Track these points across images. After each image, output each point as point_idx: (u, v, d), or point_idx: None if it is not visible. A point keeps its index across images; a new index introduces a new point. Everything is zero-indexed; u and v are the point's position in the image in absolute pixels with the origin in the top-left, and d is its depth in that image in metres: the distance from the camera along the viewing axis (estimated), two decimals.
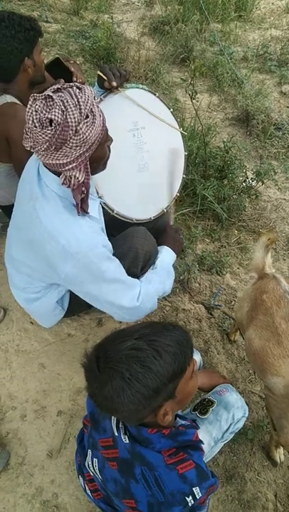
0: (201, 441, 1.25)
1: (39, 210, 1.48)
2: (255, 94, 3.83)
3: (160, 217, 2.03)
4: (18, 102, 1.99)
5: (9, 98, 1.97)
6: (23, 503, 1.73)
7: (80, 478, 1.45)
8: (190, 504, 1.11)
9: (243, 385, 2.19)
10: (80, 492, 1.75)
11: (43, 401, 2.01)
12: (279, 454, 1.94)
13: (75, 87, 1.30)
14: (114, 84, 1.78)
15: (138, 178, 1.94)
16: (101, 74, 1.79)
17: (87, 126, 1.30)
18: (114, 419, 1.24)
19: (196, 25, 4.67)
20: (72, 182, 1.38)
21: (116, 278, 1.59)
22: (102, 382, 1.03)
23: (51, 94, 1.27)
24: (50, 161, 1.34)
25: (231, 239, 2.90)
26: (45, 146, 1.29)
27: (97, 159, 1.44)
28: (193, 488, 1.12)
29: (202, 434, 1.47)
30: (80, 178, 1.38)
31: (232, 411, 1.56)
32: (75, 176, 1.37)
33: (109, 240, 1.65)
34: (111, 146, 1.50)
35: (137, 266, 1.83)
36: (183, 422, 1.30)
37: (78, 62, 2.43)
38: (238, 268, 2.75)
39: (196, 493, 1.12)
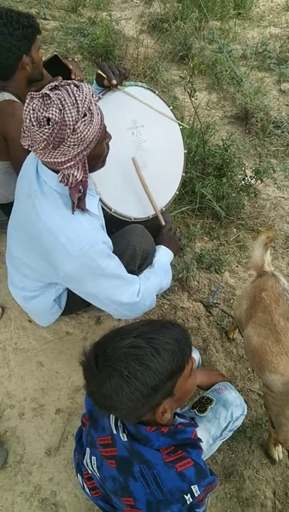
0: (199, 440, 1.25)
1: (38, 208, 1.48)
2: (254, 92, 3.83)
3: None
4: (16, 99, 1.99)
5: (7, 96, 1.96)
6: (21, 501, 1.73)
7: (79, 476, 1.45)
8: (188, 502, 1.12)
9: (242, 383, 2.20)
10: (79, 490, 1.75)
11: (41, 399, 2.00)
12: (277, 452, 1.94)
13: (72, 85, 1.29)
14: (114, 82, 1.78)
15: (136, 177, 1.93)
16: (100, 72, 1.78)
17: (84, 124, 1.29)
18: (112, 418, 1.24)
19: (195, 23, 4.65)
20: (70, 180, 1.38)
21: (116, 274, 1.58)
22: (101, 381, 1.03)
23: (48, 92, 1.26)
24: (48, 160, 1.34)
25: (230, 237, 2.90)
26: (42, 145, 1.28)
27: (96, 157, 1.43)
28: (192, 486, 1.12)
29: (201, 432, 1.47)
30: (78, 177, 1.38)
31: (231, 409, 1.56)
32: (73, 175, 1.37)
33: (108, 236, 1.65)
34: (110, 144, 1.49)
35: (134, 264, 1.83)
36: (182, 420, 1.30)
37: (76, 60, 2.43)
38: (237, 266, 2.75)
39: (194, 491, 1.12)
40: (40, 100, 1.26)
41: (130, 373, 1.01)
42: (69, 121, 1.25)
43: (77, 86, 1.29)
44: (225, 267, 2.70)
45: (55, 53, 2.32)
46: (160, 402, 1.09)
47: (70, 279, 1.58)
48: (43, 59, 2.18)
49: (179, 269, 2.54)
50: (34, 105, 1.26)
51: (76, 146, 1.31)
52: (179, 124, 2.03)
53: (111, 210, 1.85)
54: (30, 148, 1.34)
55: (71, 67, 2.26)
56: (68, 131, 1.26)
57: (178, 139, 2.05)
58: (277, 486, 1.90)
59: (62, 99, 1.25)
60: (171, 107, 2.01)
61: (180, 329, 1.13)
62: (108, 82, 1.78)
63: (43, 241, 1.49)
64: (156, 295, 1.79)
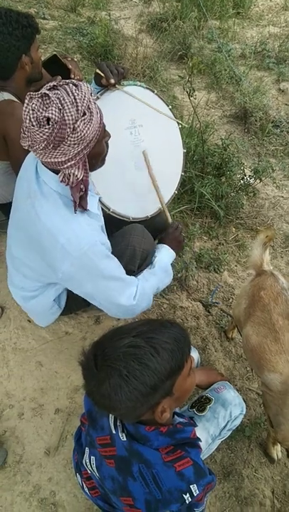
0: (198, 439, 1.25)
1: (38, 208, 1.48)
2: (253, 91, 3.83)
3: (157, 215, 2.03)
4: (15, 99, 1.99)
5: (6, 95, 1.96)
6: (20, 501, 1.74)
7: (78, 476, 1.45)
8: (187, 501, 1.12)
9: (241, 383, 2.20)
10: (78, 490, 1.75)
11: (40, 399, 2.01)
12: (276, 451, 1.94)
13: (71, 84, 1.29)
14: (112, 81, 1.77)
15: (135, 176, 1.93)
16: (98, 71, 1.78)
17: (84, 123, 1.29)
18: (111, 417, 1.24)
19: (194, 22, 4.64)
20: (71, 180, 1.38)
21: (114, 276, 1.59)
22: (100, 380, 1.03)
23: (47, 92, 1.26)
24: (49, 160, 1.33)
25: (229, 236, 2.90)
26: (43, 145, 1.28)
27: (96, 155, 1.43)
28: (191, 486, 1.12)
29: (199, 432, 1.47)
30: (78, 176, 1.38)
31: (229, 408, 1.56)
32: (73, 174, 1.37)
33: (108, 236, 1.65)
34: (108, 143, 1.49)
35: (134, 264, 1.83)
36: (181, 420, 1.31)
37: (76, 60, 2.43)
38: (236, 266, 2.75)
39: (193, 491, 1.12)
40: (40, 100, 1.26)
41: (129, 373, 1.01)
42: (69, 120, 1.25)
43: (76, 85, 1.29)
44: (224, 267, 2.70)
45: (55, 53, 2.32)
46: (159, 402, 1.09)
47: (68, 280, 1.58)
48: (42, 59, 2.18)
49: (178, 269, 2.54)
50: (33, 105, 1.26)
51: (76, 145, 1.31)
52: (178, 123, 2.03)
53: (110, 209, 1.85)
54: (30, 149, 1.33)
55: (70, 66, 2.26)
56: (68, 130, 1.26)
57: (177, 138, 2.05)
58: (276, 485, 1.91)
59: (61, 99, 1.25)
60: (170, 107, 2.01)
61: (179, 328, 1.14)
62: (106, 82, 1.78)
63: (43, 241, 1.49)
64: (155, 294, 1.79)
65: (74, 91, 1.27)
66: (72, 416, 1.97)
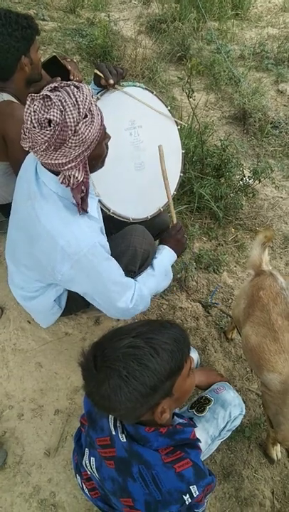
0: (198, 440, 1.25)
1: (38, 210, 1.48)
2: (252, 92, 3.84)
3: (157, 216, 2.03)
4: (15, 100, 1.99)
5: (6, 96, 1.96)
6: (20, 502, 1.73)
7: (78, 476, 1.45)
8: (187, 502, 1.12)
9: (241, 383, 2.20)
10: (78, 491, 1.75)
11: (40, 400, 2.00)
12: (276, 452, 1.94)
13: (72, 86, 1.29)
14: (111, 81, 1.77)
15: (135, 177, 1.94)
16: (97, 72, 1.78)
17: (86, 125, 1.29)
18: (111, 418, 1.24)
19: (193, 24, 4.65)
20: (72, 181, 1.38)
21: (113, 279, 1.59)
22: (100, 381, 1.03)
23: (49, 93, 1.25)
24: (49, 161, 1.33)
25: (228, 237, 2.91)
26: (44, 147, 1.28)
27: (96, 157, 1.43)
28: (191, 487, 1.12)
29: (199, 432, 1.47)
30: (79, 178, 1.38)
31: (229, 409, 1.56)
32: (74, 176, 1.37)
33: (107, 237, 1.65)
34: (108, 144, 1.49)
35: (135, 264, 1.83)
36: (180, 421, 1.31)
37: (75, 61, 2.43)
38: (235, 266, 2.75)
39: (193, 492, 1.12)
40: (41, 102, 1.26)
41: (129, 373, 1.01)
42: (70, 122, 1.25)
43: (77, 87, 1.29)
44: (223, 267, 2.71)
45: (54, 54, 2.32)
46: (159, 402, 1.09)
47: (68, 281, 1.59)
48: (42, 60, 2.18)
49: (178, 270, 2.55)
50: (35, 107, 1.26)
51: (77, 147, 1.31)
52: (177, 123, 2.03)
53: (110, 210, 1.85)
54: (30, 150, 1.33)
55: (70, 67, 2.26)
56: (70, 132, 1.26)
57: (176, 139, 2.05)
58: (276, 486, 1.91)
59: (63, 101, 1.25)
60: (169, 107, 2.01)
61: (179, 329, 1.14)
62: (105, 82, 1.78)
63: (42, 243, 1.49)
64: (154, 296, 1.79)
65: (76, 93, 1.27)
66: (72, 417, 1.97)
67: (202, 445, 1.41)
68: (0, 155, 2.06)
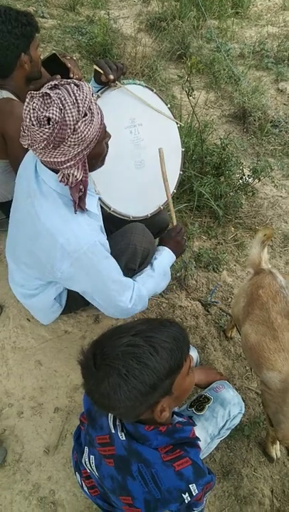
0: (197, 439, 1.25)
1: (37, 208, 1.48)
2: (251, 91, 3.83)
3: (157, 214, 2.03)
4: (14, 97, 1.98)
5: (5, 94, 1.96)
6: (20, 500, 1.74)
7: (77, 474, 1.45)
8: (186, 501, 1.12)
9: (240, 382, 2.20)
10: (77, 489, 1.75)
11: (39, 398, 2.00)
12: (275, 450, 1.95)
13: (72, 84, 1.28)
14: (111, 77, 1.76)
15: (135, 175, 1.93)
16: (97, 68, 1.77)
17: (85, 124, 1.28)
18: (111, 417, 1.24)
19: (193, 22, 4.65)
20: (70, 180, 1.37)
21: (112, 277, 1.59)
22: (99, 379, 1.03)
23: (48, 91, 1.25)
24: (48, 159, 1.33)
25: (228, 236, 2.90)
26: (42, 145, 1.27)
27: (96, 156, 1.43)
28: (190, 485, 1.13)
29: (198, 431, 1.47)
30: (78, 176, 1.38)
31: (228, 407, 1.56)
32: (73, 174, 1.36)
33: (107, 236, 1.65)
34: (108, 143, 1.49)
35: (135, 262, 1.83)
36: (180, 419, 1.31)
37: (75, 58, 2.42)
38: (235, 265, 2.75)
39: (192, 490, 1.12)
40: (41, 99, 1.25)
41: (128, 372, 1.01)
42: (69, 120, 1.25)
43: (77, 85, 1.28)
44: (223, 266, 2.71)
45: (54, 52, 2.32)
46: (158, 401, 1.09)
47: (67, 279, 1.58)
48: (42, 57, 2.18)
49: (178, 268, 2.55)
50: (34, 105, 1.25)
51: (76, 146, 1.30)
52: (177, 123, 2.02)
53: (110, 208, 1.85)
54: (29, 148, 1.33)
55: (69, 65, 2.26)
56: (69, 130, 1.26)
57: (175, 137, 2.05)
58: (275, 484, 1.91)
59: (62, 99, 1.24)
60: (168, 105, 2.01)
61: (178, 328, 1.14)
62: (105, 78, 1.77)
63: (42, 241, 1.49)
64: (153, 296, 1.79)
65: (75, 91, 1.26)
66: (71, 415, 1.97)
67: (201, 444, 1.41)
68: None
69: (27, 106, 1.26)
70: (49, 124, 1.24)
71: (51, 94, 1.24)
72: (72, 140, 1.28)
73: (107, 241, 1.59)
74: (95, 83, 1.85)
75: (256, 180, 2.88)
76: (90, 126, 1.29)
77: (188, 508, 1.16)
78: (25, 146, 1.33)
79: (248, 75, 4.26)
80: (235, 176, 2.95)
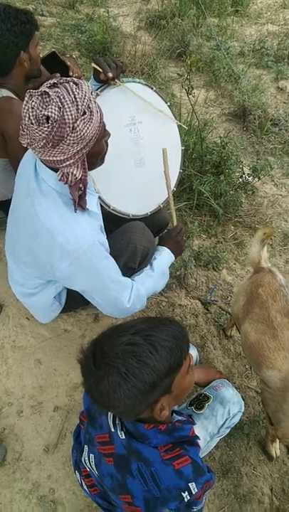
0: (197, 437, 1.25)
1: (37, 207, 1.47)
2: (251, 89, 3.82)
3: (157, 212, 2.03)
4: (13, 96, 1.98)
5: (5, 92, 1.96)
6: (19, 499, 1.74)
7: (77, 473, 1.45)
8: (186, 499, 1.12)
9: (240, 380, 2.20)
10: (77, 487, 1.75)
11: (39, 397, 2.01)
12: (275, 449, 1.95)
13: (71, 83, 1.28)
14: (110, 75, 1.75)
15: (134, 174, 1.93)
16: (96, 66, 1.77)
17: (84, 123, 1.28)
18: (110, 415, 1.24)
19: (193, 20, 4.64)
20: (70, 179, 1.37)
21: (111, 277, 1.59)
22: (99, 378, 1.03)
23: (47, 90, 1.25)
24: (47, 158, 1.33)
25: (228, 234, 2.90)
26: (42, 143, 1.27)
27: (95, 154, 1.42)
28: (189, 484, 1.13)
29: (198, 430, 1.47)
30: (77, 175, 1.37)
31: (228, 406, 1.56)
32: (72, 173, 1.36)
33: (106, 234, 1.65)
34: (108, 141, 1.49)
35: (134, 261, 1.83)
36: (179, 418, 1.31)
37: (74, 57, 2.42)
38: (235, 264, 2.75)
39: (192, 489, 1.12)
40: (39, 98, 1.25)
41: (128, 370, 1.01)
42: (68, 119, 1.24)
43: (76, 84, 1.28)
44: (223, 265, 2.70)
45: (53, 50, 2.31)
46: (158, 399, 1.09)
47: (66, 279, 1.58)
48: (41, 55, 2.17)
49: (177, 267, 2.55)
50: (33, 103, 1.25)
51: (75, 145, 1.30)
52: (178, 124, 2.02)
53: (110, 207, 1.85)
54: (29, 147, 1.33)
55: (69, 63, 2.25)
56: (68, 129, 1.25)
57: (175, 135, 2.04)
58: (275, 483, 1.91)
59: (61, 97, 1.24)
60: (168, 104, 2.00)
61: (178, 326, 1.14)
62: (104, 76, 1.77)
63: (41, 240, 1.49)
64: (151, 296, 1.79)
65: (74, 89, 1.26)
66: (71, 413, 1.97)
67: (201, 442, 1.41)
68: None
69: (26, 104, 1.26)
70: (48, 122, 1.24)
71: (50, 93, 1.24)
72: (71, 139, 1.28)
73: (106, 240, 1.59)
74: (94, 81, 1.84)
75: (256, 179, 2.87)
76: (89, 125, 1.29)
77: (188, 507, 1.16)
78: (25, 145, 1.33)
79: (248, 74, 4.25)
80: (235, 175, 2.95)
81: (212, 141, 3.19)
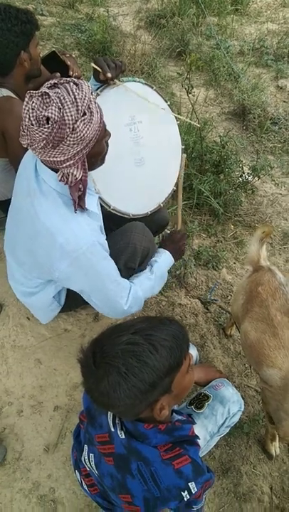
0: (197, 437, 1.25)
1: (37, 207, 1.47)
2: (251, 88, 3.82)
3: (157, 212, 2.03)
4: (14, 96, 1.98)
5: (5, 92, 1.96)
6: (20, 498, 1.74)
7: (77, 473, 1.46)
8: (186, 499, 1.12)
9: (239, 379, 2.20)
10: (77, 487, 1.75)
11: (39, 396, 2.01)
12: (274, 447, 1.95)
13: (72, 83, 1.27)
14: (109, 75, 1.75)
15: (134, 173, 1.93)
16: (95, 66, 1.77)
17: (84, 123, 1.28)
18: (110, 415, 1.24)
19: (193, 19, 4.63)
20: (70, 179, 1.37)
21: (110, 278, 1.59)
22: (99, 378, 1.03)
23: (48, 90, 1.24)
24: (47, 158, 1.33)
25: (227, 234, 2.90)
26: (42, 144, 1.27)
27: (95, 155, 1.42)
28: (189, 483, 1.13)
29: (198, 429, 1.47)
30: (77, 176, 1.37)
31: (228, 405, 1.56)
32: (72, 174, 1.36)
33: (106, 234, 1.65)
34: (108, 141, 1.49)
35: (134, 261, 1.83)
36: (179, 417, 1.31)
37: (74, 56, 2.42)
38: (234, 263, 2.75)
39: (191, 488, 1.13)
40: (40, 99, 1.25)
41: (128, 370, 1.01)
42: (68, 120, 1.24)
43: (76, 84, 1.28)
44: (222, 264, 2.71)
45: (53, 49, 2.31)
46: (158, 399, 1.10)
47: (65, 279, 1.58)
48: (41, 55, 2.17)
49: (177, 266, 2.55)
50: (33, 104, 1.25)
51: (75, 145, 1.30)
52: (177, 118, 2.02)
53: (110, 207, 1.84)
54: (29, 147, 1.33)
55: (69, 63, 2.25)
56: (68, 130, 1.25)
57: (175, 134, 2.04)
58: (274, 481, 1.92)
59: (61, 98, 1.23)
60: (168, 102, 2.00)
61: (178, 326, 1.14)
62: (104, 76, 1.77)
63: (41, 240, 1.49)
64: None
65: (75, 90, 1.25)
66: (71, 413, 1.97)
67: (201, 441, 1.41)
68: None
69: (26, 105, 1.26)
70: (48, 123, 1.24)
71: (50, 94, 1.23)
72: (72, 139, 1.27)
73: (106, 241, 1.59)
74: (94, 81, 1.84)
75: (256, 178, 2.88)
76: (89, 126, 1.29)
77: (188, 506, 1.17)
78: (25, 146, 1.33)
79: (248, 72, 4.25)
80: (235, 174, 2.95)
81: (212, 140, 3.19)
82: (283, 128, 3.71)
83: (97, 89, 1.82)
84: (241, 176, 2.92)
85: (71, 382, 2.06)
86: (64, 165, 1.33)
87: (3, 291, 2.29)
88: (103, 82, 1.82)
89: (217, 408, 1.55)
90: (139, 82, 1.92)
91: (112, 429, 1.21)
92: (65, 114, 1.23)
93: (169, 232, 2.14)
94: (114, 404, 1.06)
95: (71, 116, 1.24)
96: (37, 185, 1.47)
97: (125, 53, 4.07)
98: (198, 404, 1.58)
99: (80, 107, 1.25)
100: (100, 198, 1.78)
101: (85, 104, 1.26)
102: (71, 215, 1.45)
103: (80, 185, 1.40)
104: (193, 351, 1.78)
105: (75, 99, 1.25)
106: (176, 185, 1.98)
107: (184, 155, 1.92)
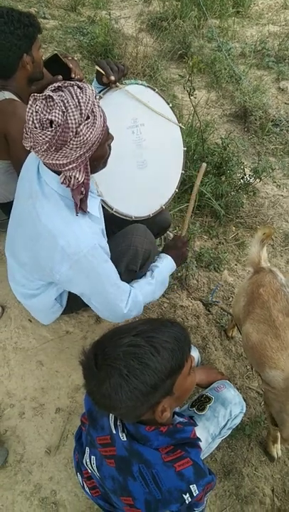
0: (198, 439, 1.25)
1: (39, 209, 1.48)
2: (253, 90, 3.82)
3: (158, 214, 2.03)
4: (16, 98, 1.99)
5: (7, 95, 1.96)
6: (21, 500, 1.74)
7: (78, 475, 1.46)
8: (187, 501, 1.12)
9: (241, 381, 2.20)
10: (79, 489, 1.75)
11: (41, 398, 2.01)
12: (276, 449, 1.95)
13: (76, 87, 1.27)
14: (112, 78, 1.76)
15: (137, 176, 1.93)
16: (99, 68, 1.77)
17: (87, 127, 1.28)
18: (112, 417, 1.24)
19: (194, 21, 4.64)
20: (72, 182, 1.37)
21: (110, 281, 1.59)
22: (100, 380, 1.03)
23: (51, 94, 1.25)
24: (50, 161, 1.33)
25: (229, 235, 2.90)
26: (45, 147, 1.28)
27: (98, 158, 1.43)
28: (191, 486, 1.13)
29: (199, 431, 1.47)
30: (79, 179, 1.37)
31: (229, 407, 1.56)
32: (74, 177, 1.36)
33: (108, 236, 1.65)
34: (111, 145, 1.49)
35: (136, 263, 1.83)
36: (181, 419, 1.31)
37: (76, 59, 2.42)
38: (236, 264, 2.75)
39: (193, 491, 1.13)
40: (44, 102, 1.25)
41: (129, 372, 1.01)
42: (72, 123, 1.24)
43: (80, 88, 1.28)
44: (224, 266, 2.71)
45: (55, 52, 2.32)
46: (159, 401, 1.10)
47: (66, 282, 1.59)
48: (43, 58, 2.18)
49: (179, 268, 2.54)
50: (37, 107, 1.25)
51: (78, 149, 1.30)
52: (176, 124, 2.02)
53: (112, 209, 1.85)
54: (32, 150, 1.33)
55: (71, 66, 2.26)
56: (71, 133, 1.25)
57: (177, 137, 2.04)
58: (276, 483, 1.91)
59: (65, 102, 1.24)
60: (170, 105, 2.01)
61: (179, 328, 1.14)
62: (107, 79, 1.77)
63: (43, 242, 1.49)
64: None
65: (78, 94, 1.26)
66: (72, 415, 1.97)
67: (202, 444, 1.41)
68: (1, 153, 2.06)
69: (30, 108, 1.26)
70: (51, 126, 1.24)
71: (54, 97, 1.24)
72: (75, 143, 1.28)
73: (107, 244, 1.60)
74: (97, 84, 1.85)
75: (257, 180, 2.88)
76: (92, 129, 1.29)
77: (189, 509, 1.16)
78: (28, 148, 1.33)
79: (249, 74, 4.25)
80: (237, 176, 2.95)
81: (213, 142, 3.19)
82: (285, 130, 3.71)
83: (99, 92, 1.83)
84: (243, 177, 2.92)
85: (73, 384, 2.06)
86: (66, 168, 1.33)
87: (5, 293, 2.29)
88: (106, 85, 1.83)
89: (219, 410, 1.55)
90: (141, 84, 1.92)
91: (114, 432, 1.21)
92: (68, 118, 1.23)
93: (171, 234, 2.14)
94: (115, 407, 1.06)
95: (74, 119, 1.24)
96: (39, 187, 1.47)
97: (127, 56, 4.08)
98: (200, 406, 1.57)
99: (83, 111, 1.26)
100: (102, 200, 1.78)
101: (88, 108, 1.27)
102: (73, 217, 1.46)
103: (82, 188, 1.41)
104: (194, 353, 1.78)
105: (79, 102, 1.25)
106: (191, 191, 2.00)
107: (204, 164, 1.93)
